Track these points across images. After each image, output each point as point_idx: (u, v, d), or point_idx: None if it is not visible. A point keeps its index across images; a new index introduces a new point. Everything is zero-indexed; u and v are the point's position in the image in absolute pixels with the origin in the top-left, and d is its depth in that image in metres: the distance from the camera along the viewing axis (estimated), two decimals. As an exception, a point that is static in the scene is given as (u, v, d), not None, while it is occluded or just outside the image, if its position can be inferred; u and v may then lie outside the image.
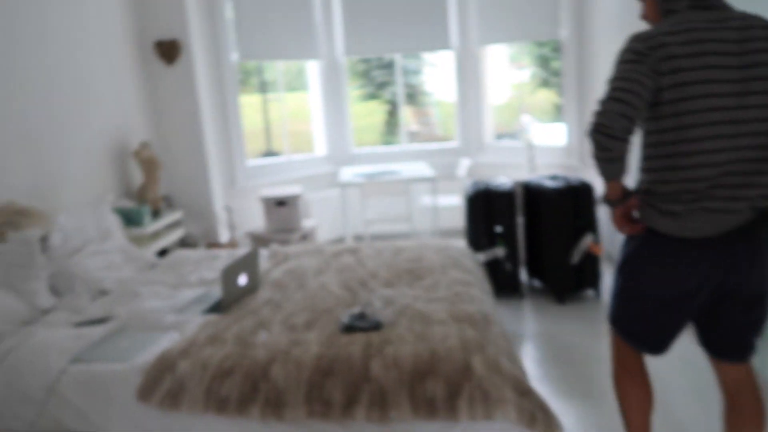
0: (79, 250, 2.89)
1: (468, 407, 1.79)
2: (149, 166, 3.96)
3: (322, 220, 5.08)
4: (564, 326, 3.44)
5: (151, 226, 3.74)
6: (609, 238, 4.10)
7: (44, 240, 2.68)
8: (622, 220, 1.81)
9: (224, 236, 4.64)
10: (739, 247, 1.66)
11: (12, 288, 2.34)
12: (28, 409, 1.92)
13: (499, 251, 3.74)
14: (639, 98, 1.59)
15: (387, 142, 16.00)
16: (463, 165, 5.00)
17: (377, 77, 17.71)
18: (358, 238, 5.01)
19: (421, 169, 4.82)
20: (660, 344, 1.85)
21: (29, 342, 2.09)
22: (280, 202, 4.50)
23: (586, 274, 3.74)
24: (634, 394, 1.94)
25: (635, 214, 1.82)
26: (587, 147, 4.12)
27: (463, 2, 5.16)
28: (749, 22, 1.62)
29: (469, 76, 5.35)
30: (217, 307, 2.45)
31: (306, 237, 4.63)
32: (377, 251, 3.14)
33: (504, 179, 4.01)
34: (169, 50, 4.46)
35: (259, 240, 4.54)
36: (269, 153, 6.75)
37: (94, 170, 3.63)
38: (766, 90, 1.59)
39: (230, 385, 1.89)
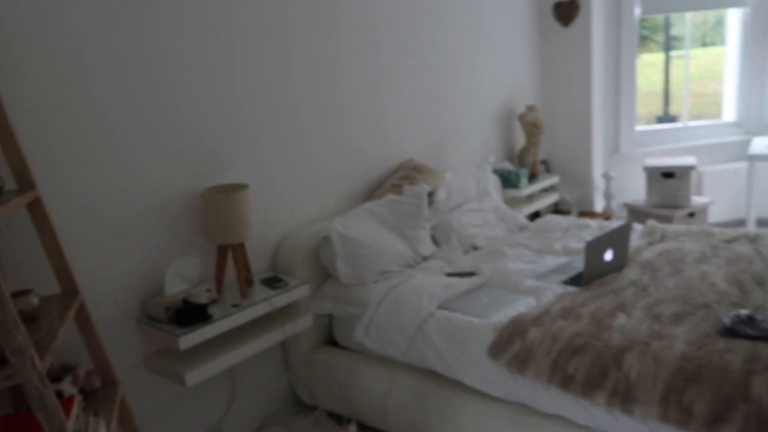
0: (459, 206, 3.16)
1: None
2: (532, 129, 4.03)
3: (719, 197, 4.37)
4: None
5: (526, 189, 3.82)
6: None
7: (432, 194, 3.01)
8: None
9: (599, 205, 4.43)
10: None
11: (402, 234, 2.71)
12: (401, 340, 2.22)
13: None
14: None
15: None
16: None
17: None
18: (764, 223, 4.13)
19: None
20: None
21: (409, 283, 2.40)
22: (667, 174, 4.02)
23: None
24: None
25: None
26: None
27: None
28: None
29: None
30: (578, 280, 2.36)
31: (694, 215, 4.05)
32: (788, 243, 2.52)
33: None
34: (567, 11, 4.38)
35: (637, 213, 4.18)
36: (666, 118, 6.09)
37: (481, 132, 3.89)
38: None
39: (578, 363, 1.80)
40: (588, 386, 1.77)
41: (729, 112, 4.73)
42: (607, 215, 4.28)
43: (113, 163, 1.96)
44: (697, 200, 4.17)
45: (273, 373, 2.58)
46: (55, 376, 1.60)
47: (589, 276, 2.32)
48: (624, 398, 1.70)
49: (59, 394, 1.54)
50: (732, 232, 2.76)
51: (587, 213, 4.31)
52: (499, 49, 4.01)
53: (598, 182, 4.45)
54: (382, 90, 3.04)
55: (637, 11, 4.45)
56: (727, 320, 1.83)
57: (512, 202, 3.80)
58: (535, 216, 3.95)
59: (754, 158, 3.77)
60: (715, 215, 4.37)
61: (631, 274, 2.36)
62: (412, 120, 3.28)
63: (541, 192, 4.17)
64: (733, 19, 4.63)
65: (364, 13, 2.90)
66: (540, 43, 4.42)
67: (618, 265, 2.44)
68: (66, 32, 1.81)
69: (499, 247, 2.90)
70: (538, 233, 3.14)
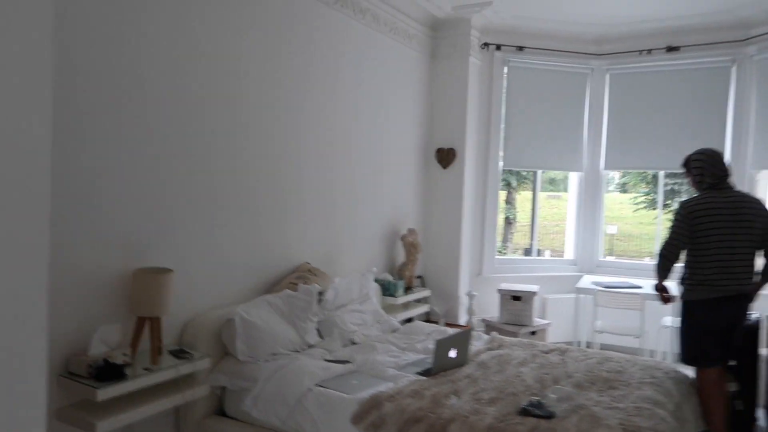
0: (343, 306, 3.77)
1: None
2: (411, 248, 4.82)
3: (557, 321, 5.30)
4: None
5: (402, 298, 4.53)
6: None
7: (321, 294, 3.61)
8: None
9: (463, 318, 5.21)
10: None
11: (293, 324, 3.26)
12: (281, 410, 2.71)
13: (731, 386, 3.52)
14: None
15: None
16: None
17: (667, 185, 16.79)
18: (588, 345, 5.07)
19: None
20: None
21: (294, 364, 2.92)
22: (516, 297, 4.91)
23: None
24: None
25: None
26: None
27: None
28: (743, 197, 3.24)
29: None
30: (428, 372, 3.00)
31: (535, 334, 4.91)
32: (585, 356, 3.34)
33: (755, 312, 3.77)
34: (446, 156, 5.38)
35: (492, 328, 4.99)
36: (531, 250, 7.20)
37: (369, 245, 4.61)
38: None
39: (416, 429, 2.40)
40: (422, 447, 2.35)
41: (569, 251, 5.83)
42: (468, 327, 5.04)
43: (57, 242, 2.42)
44: (539, 321, 5.06)
45: (164, 438, 2.92)
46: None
47: (436, 369, 2.97)
48: (446, 456, 2.30)
49: None
50: (550, 345, 3.57)
51: (452, 324, 5.05)
52: (391, 178, 4.85)
53: (463, 299, 5.25)
54: (286, 198, 3.70)
55: (500, 164, 5.56)
56: (524, 403, 2.53)
57: (389, 309, 4.47)
58: (408, 322, 4.62)
59: (578, 291, 4.75)
60: (554, 335, 5.27)
61: (468, 369, 3.05)
62: (311, 227, 3.93)
63: (415, 302, 4.90)
64: (572, 177, 5.87)
65: (283, 139, 3.62)
66: (424, 179, 5.35)
67: (460, 362, 3.12)
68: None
69: (372, 342, 3.51)
70: (405, 334, 3.79)
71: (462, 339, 3.14)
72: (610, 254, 6.00)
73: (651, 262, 5.63)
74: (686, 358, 3.31)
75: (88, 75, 2.48)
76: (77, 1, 2.43)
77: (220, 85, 3.15)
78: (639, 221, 13.06)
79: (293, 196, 3.75)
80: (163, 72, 2.82)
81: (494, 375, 2.98)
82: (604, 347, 4.87)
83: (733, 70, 5.10)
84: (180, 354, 2.76)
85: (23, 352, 1.31)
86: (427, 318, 5.13)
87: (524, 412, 2.48)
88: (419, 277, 5.11)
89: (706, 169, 3.31)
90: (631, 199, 13.73)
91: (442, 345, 3.01)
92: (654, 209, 17.17)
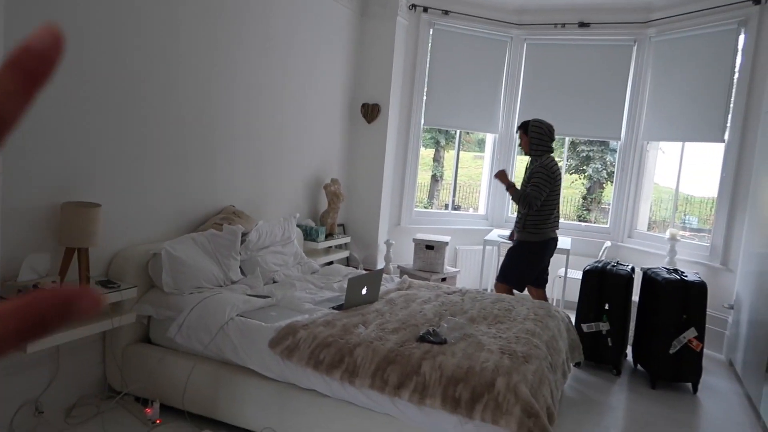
0: (266, 248, 4.01)
1: (482, 411, 2.38)
2: (334, 197, 5.08)
3: (466, 270, 5.77)
4: (649, 408, 3.66)
5: (323, 244, 4.82)
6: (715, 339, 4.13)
7: (245, 235, 3.83)
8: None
9: (380, 265, 5.58)
10: None
11: (217, 260, 3.48)
12: (204, 336, 2.97)
13: (603, 326, 4.08)
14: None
15: (580, 217, 15.95)
16: (604, 246, 5.32)
17: (583, 152, 17.74)
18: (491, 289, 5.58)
19: (563, 242, 5.27)
20: None
21: (217, 296, 3.17)
22: (429, 246, 5.31)
23: (687, 367, 3.88)
24: None
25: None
26: (732, 249, 4.36)
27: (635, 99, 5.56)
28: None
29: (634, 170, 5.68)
30: (341, 307, 3.32)
31: (445, 280, 5.36)
32: (482, 296, 3.77)
33: (629, 265, 4.33)
34: (371, 111, 5.62)
35: (406, 273, 5.39)
36: (453, 206, 7.65)
37: (293, 193, 4.84)
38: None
39: (326, 353, 2.72)
40: (331, 367, 2.68)
41: (482, 207, 6.29)
42: (386, 272, 5.42)
43: (-5, 171, 2.51)
44: (450, 269, 5.50)
45: (91, 363, 3.12)
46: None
47: (348, 304, 3.30)
48: (351, 374, 2.64)
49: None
50: (453, 288, 3.98)
51: (369, 269, 5.41)
52: (317, 130, 5.06)
53: (382, 247, 5.61)
54: (215, 144, 3.86)
55: (421, 121, 5.87)
56: (422, 332, 2.90)
57: (312, 253, 4.75)
58: (330, 264, 4.93)
59: (484, 243, 5.20)
60: (462, 282, 5.75)
61: (377, 305, 3.40)
62: (238, 173, 4.11)
63: (336, 248, 5.20)
64: (488, 139, 6.28)
65: (214, 90, 3.74)
66: (349, 131, 5.59)
67: (371, 299, 3.47)
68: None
69: (292, 281, 3.79)
70: (324, 275, 4.10)
71: (373, 278, 3.48)
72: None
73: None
74: (516, 283, 4.36)
75: (30, 12, 2.54)
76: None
77: (154, 34, 3.23)
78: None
79: (222, 144, 3.91)
80: (99, 21, 2.89)
81: (400, 310, 3.35)
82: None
83: (635, 49, 5.59)
84: (108, 284, 2.93)
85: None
86: (347, 263, 5.46)
87: (421, 339, 2.85)
88: (341, 225, 5.40)
89: (545, 136, 4.21)
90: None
91: (354, 283, 3.33)
92: (580, 173, 18.07)
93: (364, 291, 3.41)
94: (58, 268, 2.81)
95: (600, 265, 4.26)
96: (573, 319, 3.97)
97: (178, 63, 3.47)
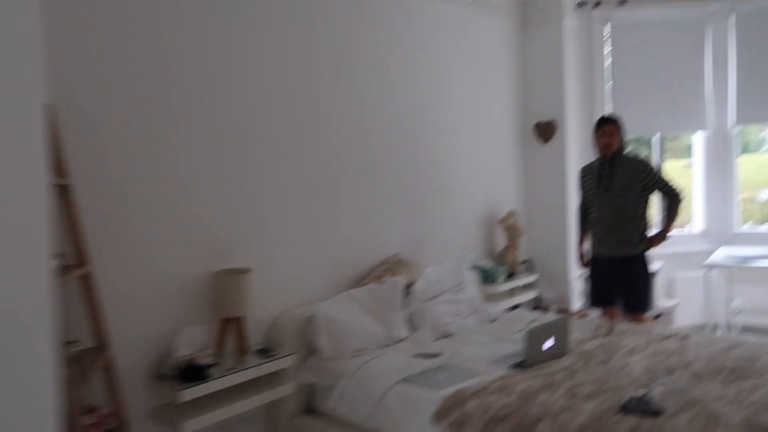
0: (436, 297, 3.62)
1: None
2: (512, 232, 4.54)
3: (687, 302, 4.74)
4: None
5: (504, 285, 4.28)
6: None
7: (409, 285, 3.49)
8: None
9: (576, 304, 4.83)
10: None
11: (378, 318, 3.17)
12: (365, 407, 2.63)
13: None
14: None
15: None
16: None
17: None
18: (725, 327, 4.47)
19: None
20: None
21: (378, 360, 2.84)
22: (634, 277, 4.44)
23: None
24: None
25: None
26: None
27: None
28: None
29: None
30: (522, 364, 2.77)
31: (660, 317, 4.42)
32: (709, 342, 2.91)
33: None
34: (546, 130, 5.01)
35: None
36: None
37: (464, 232, 4.41)
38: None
39: (501, 429, 2.20)
40: (508, 448, 2.16)
41: (698, 223, 5.19)
42: (583, 314, 4.66)
43: (146, 248, 2.52)
44: (665, 303, 4.55)
45: (259, 434, 2.98)
46: (83, 412, 2.06)
47: (530, 361, 2.73)
48: (534, 458, 2.08)
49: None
50: (669, 331, 3.16)
51: (565, 310, 4.70)
52: (486, 158, 4.61)
53: (575, 283, 4.87)
54: (370, 189, 3.62)
55: (609, 133, 5.06)
56: (624, 399, 2.23)
57: (492, 297, 4.23)
58: (516, 308, 4.36)
59: (707, 266, 4.19)
60: (683, 317, 4.72)
61: (568, 360, 2.77)
62: (400, 219, 3.83)
63: (523, 288, 4.61)
64: (697, 139, 5.22)
65: (363, 124, 3.54)
66: (523, 155, 5.03)
67: (559, 352, 2.85)
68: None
69: (466, 335, 3.33)
70: (504, 324, 3.56)
71: (559, 327, 2.87)
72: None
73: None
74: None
75: (177, 78, 2.56)
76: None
77: (294, 85, 3.14)
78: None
79: (378, 187, 3.67)
80: (240, 97, 2.86)
81: (597, 366, 2.68)
82: (745, 330, 4.28)
83: None
84: (266, 353, 2.78)
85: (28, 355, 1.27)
86: (536, 305, 4.82)
87: (626, 409, 2.18)
88: (526, 261, 4.81)
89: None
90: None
91: (535, 335, 2.76)
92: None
93: (548, 343, 2.81)
94: (215, 339, 2.72)
95: None
96: None
97: (329, 111, 3.32)
